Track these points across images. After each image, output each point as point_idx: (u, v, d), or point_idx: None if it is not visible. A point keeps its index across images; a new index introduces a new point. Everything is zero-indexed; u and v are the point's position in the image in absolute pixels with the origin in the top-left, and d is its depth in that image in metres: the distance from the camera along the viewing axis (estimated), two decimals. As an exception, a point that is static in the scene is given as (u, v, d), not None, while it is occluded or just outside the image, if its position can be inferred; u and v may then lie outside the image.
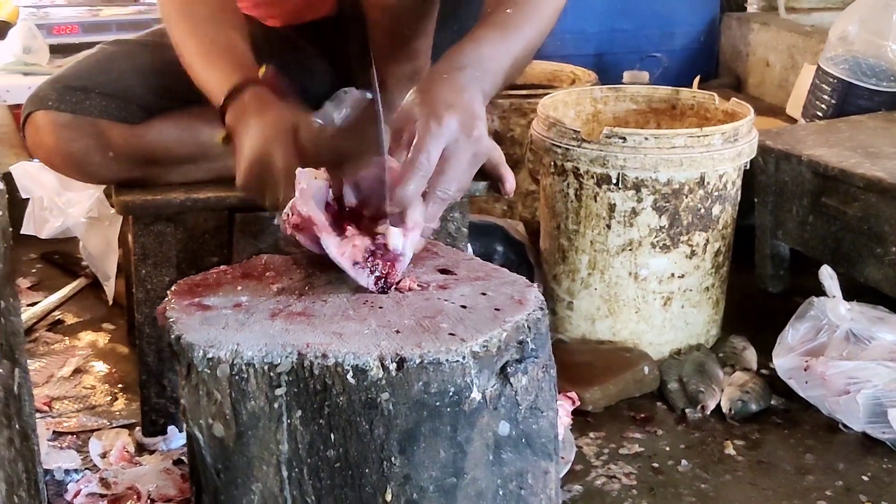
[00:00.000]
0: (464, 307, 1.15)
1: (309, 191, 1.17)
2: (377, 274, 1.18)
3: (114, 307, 2.36)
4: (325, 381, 1.04)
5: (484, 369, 1.08)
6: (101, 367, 2.12)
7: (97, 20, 3.22)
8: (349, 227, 1.19)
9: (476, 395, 1.08)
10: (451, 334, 1.08)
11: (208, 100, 1.45)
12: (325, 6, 1.77)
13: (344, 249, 1.17)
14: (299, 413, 1.06)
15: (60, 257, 2.62)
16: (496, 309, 1.14)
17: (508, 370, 1.10)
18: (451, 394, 1.06)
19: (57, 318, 2.33)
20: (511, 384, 1.11)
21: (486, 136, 1.23)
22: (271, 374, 1.05)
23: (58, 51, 3.00)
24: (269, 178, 1.27)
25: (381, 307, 1.15)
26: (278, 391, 1.05)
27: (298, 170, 1.18)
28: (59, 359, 2.14)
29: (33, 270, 2.61)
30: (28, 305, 2.36)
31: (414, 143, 1.17)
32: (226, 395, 1.06)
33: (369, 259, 1.18)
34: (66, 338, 2.25)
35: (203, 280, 1.23)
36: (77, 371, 2.09)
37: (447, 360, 1.05)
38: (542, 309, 1.16)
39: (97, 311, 2.37)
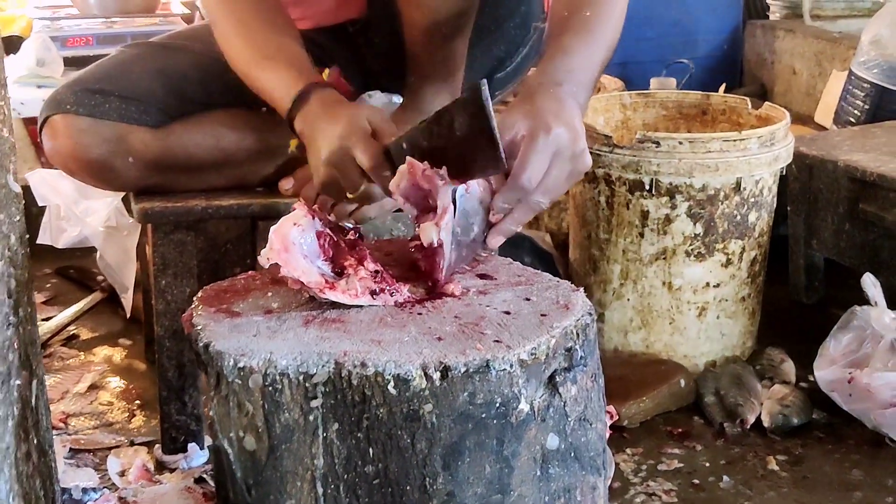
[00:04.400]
0: (507, 313, 1.08)
1: (292, 250, 1.09)
2: (392, 288, 1.12)
3: (130, 322, 2.29)
4: (363, 391, 0.98)
5: (532, 378, 1.02)
6: (117, 383, 2.06)
7: (111, 32, 3.18)
8: (348, 258, 1.12)
9: (524, 405, 1.01)
10: (496, 341, 1.02)
11: (271, 107, 1.44)
12: (353, 8, 1.72)
13: (354, 290, 1.10)
14: (336, 426, 1.00)
15: (76, 272, 2.56)
16: (542, 315, 1.08)
17: (557, 379, 1.04)
18: (497, 405, 1.00)
19: (72, 332, 2.27)
20: (560, 394, 1.04)
21: (587, 152, 1.19)
22: (307, 384, 0.98)
23: (72, 63, 2.94)
24: (350, 175, 1.23)
25: (419, 313, 1.09)
26: (314, 403, 0.99)
27: (273, 229, 1.11)
28: (74, 374, 2.07)
29: (48, 285, 2.54)
30: (43, 320, 2.30)
31: (519, 157, 1.14)
32: (258, 407, 1.00)
33: (382, 280, 1.11)
34: (82, 353, 2.19)
35: (231, 286, 1.17)
36: (93, 387, 2.03)
37: (494, 369, 0.99)
38: (590, 314, 1.10)
39: (113, 326, 2.30)
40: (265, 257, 1.09)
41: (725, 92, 3.09)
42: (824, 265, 2.34)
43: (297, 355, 0.99)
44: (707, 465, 1.76)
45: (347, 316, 1.08)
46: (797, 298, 2.37)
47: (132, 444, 1.80)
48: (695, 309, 2.00)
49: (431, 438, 0.99)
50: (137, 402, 1.98)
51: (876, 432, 1.82)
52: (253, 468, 1.03)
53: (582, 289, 1.15)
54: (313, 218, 1.14)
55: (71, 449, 1.76)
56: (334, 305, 1.10)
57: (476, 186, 1.13)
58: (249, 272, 1.21)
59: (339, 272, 1.11)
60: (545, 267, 2.21)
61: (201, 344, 1.03)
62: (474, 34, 1.57)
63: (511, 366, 0.99)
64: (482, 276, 1.19)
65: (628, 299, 2.02)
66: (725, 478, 1.71)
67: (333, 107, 1.34)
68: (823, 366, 1.88)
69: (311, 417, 0.99)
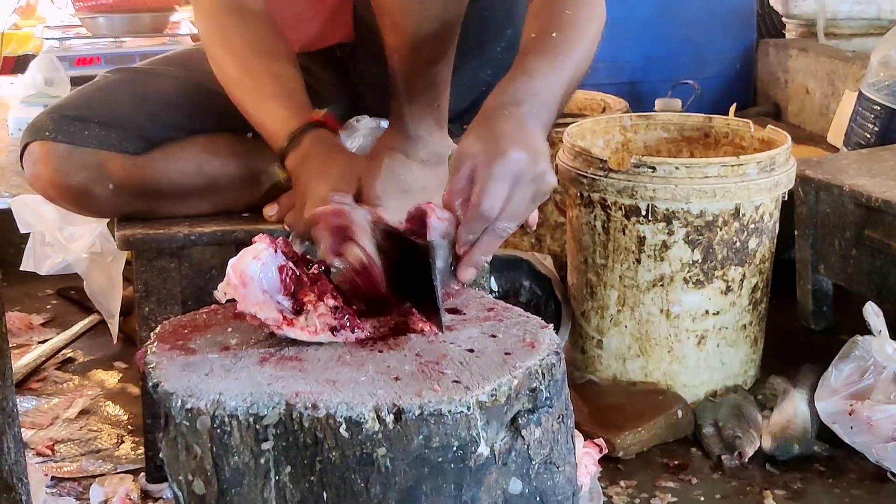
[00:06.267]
0: (470, 351, 1.05)
1: (250, 285, 1.07)
2: (354, 325, 1.09)
3: (128, 345, 2.28)
4: (315, 434, 0.95)
5: (492, 421, 0.98)
6: (109, 408, 2.04)
7: (120, 52, 3.18)
8: (308, 293, 1.09)
9: (483, 449, 0.98)
10: (455, 382, 0.98)
11: (256, 133, 1.48)
12: (340, 32, 1.70)
13: (313, 326, 1.07)
14: (288, 469, 0.97)
15: (76, 293, 2.55)
16: (506, 353, 1.04)
17: (520, 421, 1.01)
18: (455, 448, 0.96)
19: (68, 356, 2.25)
20: (523, 437, 1.01)
21: (551, 171, 1.16)
22: (257, 426, 0.95)
23: (80, 83, 2.93)
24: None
25: (380, 351, 1.06)
26: (265, 445, 0.96)
27: (231, 262, 1.09)
28: (66, 399, 2.05)
29: (48, 307, 2.54)
30: (39, 343, 2.29)
31: (478, 186, 1.11)
32: (206, 450, 0.97)
33: (344, 316, 1.08)
34: (76, 377, 2.17)
35: (191, 321, 1.15)
36: (84, 412, 2.00)
37: (450, 412, 0.95)
38: (557, 353, 1.06)
39: (110, 349, 2.28)
40: (221, 292, 1.06)
41: (738, 111, 3.05)
42: (834, 291, 2.29)
43: (248, 396, 0.96)
44: (702, 499, 1.71)
45: (306, 354, 1.05)
46: (805, 324, 2.32)
47: (118, 472, 1.78)
48: (694, 337, 1.96)
49: (386, 483, 0.96)
50: (128, 427, 1.96)
51: (878, 466, 1.77)
52: (203, 512, 1.00)
53: (551, 325, 1.11)
54: (275, 251, 1.11)
55: (53, 477, 1.74)
56: (293, 342, 1.07)
57: (439, 223, 1.10)
58: (213, 305, 1.19)
59: (300, 308, 1.08)
60: (543, 291, 2.18)
61: (151, 383, 1.00)
62: (459, 58, 1.54)
63: (469, 408, 0.96)
64: (451, 311, 1.16)
65: (626, 326, 1.98)
66: (720, 513, 1.67)
67: (327, 156, 1.37)
68: (825, 396, 1.83)
69: (262, 460, 0.96)
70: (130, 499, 1.68)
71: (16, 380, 1.99)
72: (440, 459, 0.96)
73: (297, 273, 1.11)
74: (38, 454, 1.83)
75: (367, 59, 1.66)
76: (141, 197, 1.58)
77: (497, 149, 1.11)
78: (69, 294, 2.57)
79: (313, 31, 1.70)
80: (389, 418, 0.94)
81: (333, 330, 1.07)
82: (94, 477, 1.76)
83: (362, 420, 0.94)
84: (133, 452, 1.86)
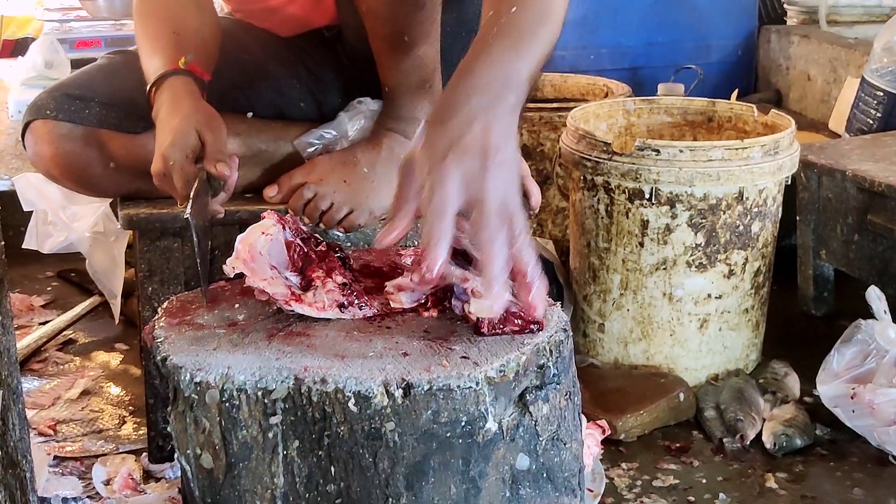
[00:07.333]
0: (479, 328, 1.05)
1: (259, 260, 1.05)
2: (361, 301, 1.08)
3: (129, 327, 2.27)
4: (324, 408, 0.95)
5: (500, 397, 0.98)
6: (110, 388, 2.04)
7: (120, 34, 3.18)
8: (316, 270, 1.08)
9: (491, 424, 0.98)
10: (463, 357, 0.98)
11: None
12: (325, 15, 1.69)
13: (321, 302, 1.06)
14: (296, 443, 0.96)
15: (77, 275, 2.55)
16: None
17: (527, 398, 1.00)
18: (463, 423, 0.96)
19: (69, 337, 2.25)
20: (531, 413, 1.01)
21: (510, 161, 1.01)
22: (265, 400, 0.95)
23: (80, 65, 2.92)
24: (172, 192, 1.36)
25: (388, 327, 1.06)
26: (273, 419, 0.96)
27: (239, 237, 1.07)
28: (68, 380, 2.05)
29: (49, 288, 2.54)
30: (40, 324, 2.29)
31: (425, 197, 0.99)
32: (215, 423, 0.96)
33: (350, 292, 1.08)
34: (77, 358, 2.17)
35: (198, 297, 1.14)
36: (85, 393, 2.01)
37: (459, 387, 0.95)
38: (565, 330, 1.06)
39: (111, 331, 2.28)
40: (230, 266, 1.06)
41: (739, 97, 3.04)
42: (835, 276, 2.29)
43: (257, 370, 0.96)
44: (704, 481, 1.72)
45: (313, 329, 1.05)
46: (806, 310, 2.32)
47: (119, 452, 1.78)
48: (696, 321, 1.96)
49: (394, 458, 0.95)
50: (130, 408, 1.96)
51: (880, 450, 1.77)
52: (210, 487, 0.99)
53: (559, 303, 1.11)
54: (283, 227, 1.11)
55: (55, 457, 1.74)
56: (301, 318, 1.07)
57: None
58: (220, 282, 1.18)
59: (308, 284, 1.08)
60: (545, 275, 2.17)
61: (159, 357, 1.00)
62: (446, 39, 1.53)
63: (477, 383, 0.96)
64: (459, 289, 1.15)
65: (628, 310, 1.98)
66: (722, 495, 1.67)
67: (175, 106, 1.39)
68: (827, 380, 1.83)
69: (270, 434, 0.96)
70: (133, 478, 1.68)
71: (17, 360, 1.99)
72: (448, 434, 0.96)
73: (305, 250, 1.10)
74: (41, 434, 1.83)
75: (354, 41, 1.65)
76: (141, 176, 1.57)
77: (435, 168, 0.98)
78: (69, 276, 2.57)
79: (297, 14, 1.69)
80: (398, 393, 0.94)
81: (341, 307, 1.07)
82: (97, 457, 1.76)
83: (371, 394, 0.94)
84: (135, 433, 1.86)
